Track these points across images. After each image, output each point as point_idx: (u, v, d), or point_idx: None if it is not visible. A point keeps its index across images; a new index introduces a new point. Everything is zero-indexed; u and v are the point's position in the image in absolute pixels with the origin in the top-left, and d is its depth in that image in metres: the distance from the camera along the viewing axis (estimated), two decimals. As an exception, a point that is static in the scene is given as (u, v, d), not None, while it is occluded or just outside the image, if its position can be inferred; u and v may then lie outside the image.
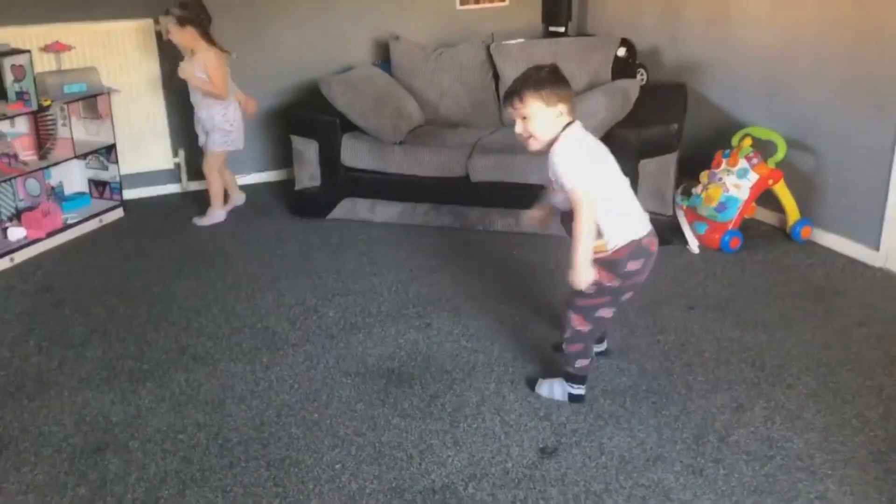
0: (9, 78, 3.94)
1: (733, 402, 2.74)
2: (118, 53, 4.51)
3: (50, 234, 4.09)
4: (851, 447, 2.50)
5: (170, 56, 4.62)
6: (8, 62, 3.91)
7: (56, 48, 4.27)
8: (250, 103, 4.35)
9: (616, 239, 2.55)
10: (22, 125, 4.15)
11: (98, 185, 4.55)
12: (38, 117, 4.15)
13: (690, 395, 2.78)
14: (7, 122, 4.01)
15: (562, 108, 2.52)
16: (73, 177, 4.51)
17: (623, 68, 4.60)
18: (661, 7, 4.81)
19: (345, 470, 2.44)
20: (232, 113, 4.22)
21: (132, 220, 4.48)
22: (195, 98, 4.22)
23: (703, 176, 4.06)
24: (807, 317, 3.29)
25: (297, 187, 4.45)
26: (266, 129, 4.97)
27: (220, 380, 2.92)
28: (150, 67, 4.63)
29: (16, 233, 4.01)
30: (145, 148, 4.73)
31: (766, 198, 3.99)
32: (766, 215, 4.20)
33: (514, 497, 2.32)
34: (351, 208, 4.38)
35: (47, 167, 4.21)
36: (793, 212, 3.98)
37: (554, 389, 2.77)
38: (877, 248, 3.69)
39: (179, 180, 4.92)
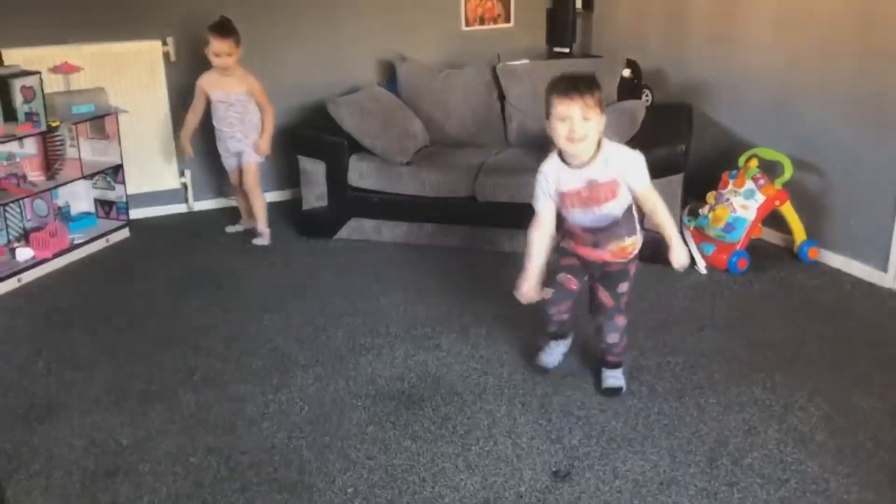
0: (18, 99, 3.95)
1: (746, 424, 2.73)
2: (126, 74, 4.53)
3: (57, 255, 4.09)
4: (866, 470, 2.49)
5: (176, 77, 4.65)
6: (18, 83, 3.92)
7: (65, 69, 4.28)
8: None
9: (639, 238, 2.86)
10: (31, 146, 4.16)
11: (104, 205, 4.55)
12: (47, 138, 4.16)
13: (703, 418, 2.77)
14: (16, 142, 4.02)
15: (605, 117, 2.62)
16: (80, 197, 4.51)
17: (628, 89, 4.62)
18: (666, 28, 4.84)
19: (357, 494, 2.43)
20: None
21: (139, 240, 4.48)
22: (230, 117, 4.22)
23: (710, 197, 4.07)
24: (817, 338, 3.29)
25: (304, 207, 4.46)
26: (273, 149, 4.98)
27: (230, 402, 2.91)
28: (157, 88, 4.65)
29: (23, 253, 4.01)
30: (152, 168, 4.74)
31: (772, 218, 4.00)
32: (773, 236, 4.21)
33: (529, 521, 2.31)
34: (358, 228, 4.38)
35: (55, 187, 4.22)
36: (800, 232, 3.99)
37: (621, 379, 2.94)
38: (885, 269, 3.70)
39: (186, 200, 4.93)
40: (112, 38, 4.47)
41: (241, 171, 4.34)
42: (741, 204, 3.91)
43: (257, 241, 4.34)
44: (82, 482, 2.49)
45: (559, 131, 2.58)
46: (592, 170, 2.64)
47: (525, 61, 4.80)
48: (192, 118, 4.28)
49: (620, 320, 2.88)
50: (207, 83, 4.18)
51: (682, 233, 3.97)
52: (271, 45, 4.87)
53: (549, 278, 2.86)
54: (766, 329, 3.37)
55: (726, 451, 2.59)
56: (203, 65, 4.60)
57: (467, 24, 5.32)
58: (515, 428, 2.73)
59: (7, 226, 4.10)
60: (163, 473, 2.53)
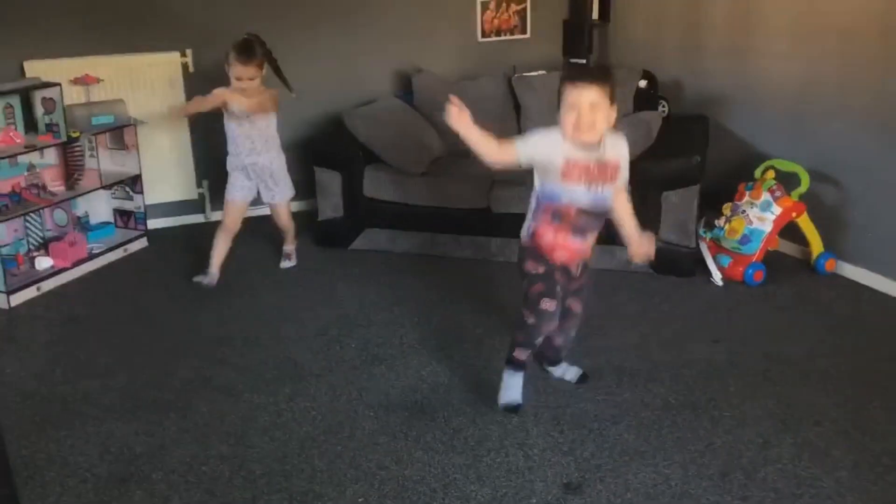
0: (39, 110, 4.01)
1: (760, 437, 2.71)
2: (145, 86, 4.59)
3: (76, 264, 4.13)
4: (883, 486, 2.46)
5: (195, 88, 4.69)
6: (39, 95, 3.98)
7: (85, 81, 4.34)
8: None
9: None
10: (51, 156, 4.22)
11: (123, 215, 4.60)
12: (67, 149, 4.21)
13: (716, 431, 2.75)
14: (37, 153, 4.07)
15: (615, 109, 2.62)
16: (99, 207, 4.56)
17: (644, 100, 4.62)
18: (682, 39, 4.83)
19: (368, 504, 2.43)
20: None
21: (156, 249, 4.51)
22: (253, 136, 3.86)
23: (727, 208, 4.05)
24: (833, 351, 3.26)
25: (319, 218, 4.48)
26: (289, 160, 5.00)
27: (244, 411, 2.92)
28: (176, 99, 4.69)
29: (43, 262, 4.06)
30: (170, 178, 4.79)
31: (789, 230, 3.97)
32: (789, 248, 4.17)
33: (539, 534, 2.30)
34: (373, 239, 4.40)
35: (74, 197, 4.27)
36: (817, 244, 3.96)
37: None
38: (903, 282, 3.66)
39: (203, 210, 4.97)
40: (131, 50, 4.53)
41: (238, 211, 4.01)
42: (757, 216, 3.89)
43: (285, 264, 4.19)
44: (96, 489, 2.51)
45: (568, 118, 2.57)
46: (601, 150, 2.63)
47: (541, 72, 4.81)
48: (197, 105, 3.89)
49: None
50: (228, 96, 3.78)
51: (697, 245, 3.97)
52: (289, 57, 4.88)
53: (531, 307, 2.75)
54: (782, 342, 3.34)
55: (740, 465, 2.57)
56: (222, 77, 4.65)
57: (483, 35, 5.33)
58: (527, 440, 2.73)
59: (27, 235, 4.15)
60: (175, 482, 2.54)
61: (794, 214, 3.89)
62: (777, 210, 3.86)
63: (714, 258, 3.96)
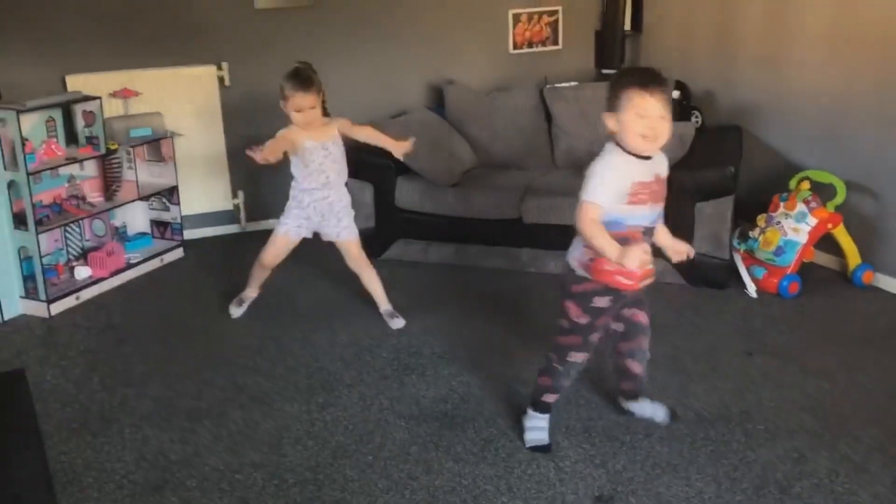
0: (80, 123, 4.10)
1: (795, 452, 2.67)
2: (181, 98, 4.67)
3: (113, 274, 4.21)
4: (921, 502, 2.41)
5: (231, 101, 4.77)
6: (79, 108, 4.08)
7: (124, 94, 4.43)
8: None
9: None
10: (90, 168, 4.31)
11: (160, 226, 4.68)
12: (106, 161, 4.30)
13: (750, 444, 2.72)
14: (76, 165, 4.16)
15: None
16: (137, 218, 4.64)
17: (677, 111, 4.59)
18: (715, 49, 4.80)
19: (399, 514, 2.44)
20: None
21: (192, 259, 4.58)
22: (327, 168, 3.54)
23: (761, 220, 4.02)
24: (871, 365, 3.21)
25: (352, 228, 4.51)
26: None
27: (276, 420, 2.95)
28: (212, 112, 4.77)
29: (82, 272, 4.14)
30: (206, 190, 4.86)
31: (825, 242, 3.92)
32: (825, 259, 4.12)
33: (570, 546, 2.29)
34: (404, 249, 4.42)
35: (113, 209, 4.35)
36: (853, 256, 3.90)
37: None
38: (943, 295, 3.60)
39: (238, 221, 5.03)
40: (169, 64, 4.61)
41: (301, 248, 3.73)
42: (792, 227, 3.85)
43: (395, 324, 3.68)
44: (132, 496, 2.55)
45: (635, 128, 2.34)
46: (654, 163, 2.47)
47: (573, 83, 4.81)
48: (271, 149, 3.47)
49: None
50: (295, 134, 3.47)
51: (731, 256, 3.94)
52: (323, 70, 4.91)
53: (561, 355, 2.65)
54: (818, 355, 3.29)
55: (774, 480, 2.54)
56: (256, 88, 4.74)
57: (515, 47, 5.35)
58: (558, 451, 2.72)
59: (67, 245, 4.24)
60: (209, 489, 2.57)
61: (829, 226, 3.84)
62: (812, 221, 3.81)
63: (748, 270, 3.92)
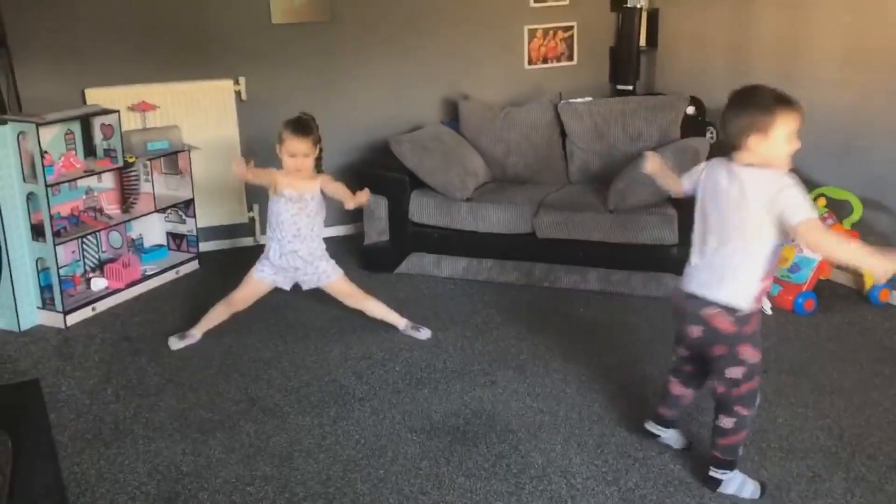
0: (98, 136, 4.15)
1: (809, 471, 2.65)
2: (198, 112, 4.71)
3: (129, 285, 4.24)
4: (938, 524, 2.38)
5: (247, 115, 4.81)
6: (98, 121, 4.12)
7: (142, 108, 4.48)
8: None
9: None
10: (108, 180, 4.35)
11: (175, 238, 4.71)
12: (123, 173, 4.34)
13: (764, 463, 2.70)
14: (94, 177, 4.21)
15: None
16: (153, 230, 4.68)
17: (692, 127, 4.59)
18: (730, 65, 4.80)
19: (409, 529, 2.44)
20: None
21: (207, 272, 4.61)
22: (300, 222, 3.53)
23: (776, 236, 3.99)
24: (887, 383, 3.18)
25: (366, 242, 4.54)
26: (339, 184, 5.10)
27: (289, 433, 2.96)
28: (229, 126, 4.81)
29: (98, 283, 4.18)
30: (221, 202, 4.89)
31: (841, 259, 3.89)
32: (842, 277, 4.09)
33: (581, 564, 2.28)
34: (418, 263, 4.43)
35: (129, 221, 4.39)
36: (870, 274, 3.86)
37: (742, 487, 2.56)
38: (961, 313, 3.56)
39: (253, 234, 5.06)
40: (186, 78, 4.66)
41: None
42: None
43: (423, 335, 3.70)
44: (144, 507, 2.56)
45: (786, 152, 2.38)
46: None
47: (588, 99, 4.82)
48: (254, 174, 3.46)
49: None
50: (281, 178, 3.49)
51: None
52: (339, 84, 5.01)
53: (748, 403, 2.51)
54: (834, 373, 3.27)
55: (789, 499, 2.51)
56: (273, 103, 4.78)
57: (530, 62, 5.37)
58: (570, 468, 2.71)
59: (84, 257, 4.28)
60: (221, 502, 2.58)
61: (846, 243, 3.81)
62: (828, 238, 3.78)
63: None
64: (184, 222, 4.66)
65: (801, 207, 2.29)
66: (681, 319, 2.56)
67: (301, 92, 4.91)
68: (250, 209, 5.00)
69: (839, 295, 3.99)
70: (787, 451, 2.76)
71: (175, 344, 3.66)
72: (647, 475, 2.65)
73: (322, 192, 3.58)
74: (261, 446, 2.88)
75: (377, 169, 4.49)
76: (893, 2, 3.78)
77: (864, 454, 2.73)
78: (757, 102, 2.37)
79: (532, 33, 5.32)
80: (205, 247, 4.83)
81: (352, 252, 4.76)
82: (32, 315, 3.92)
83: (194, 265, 4.65)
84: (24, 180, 3.78)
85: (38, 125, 3.69)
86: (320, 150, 3.57)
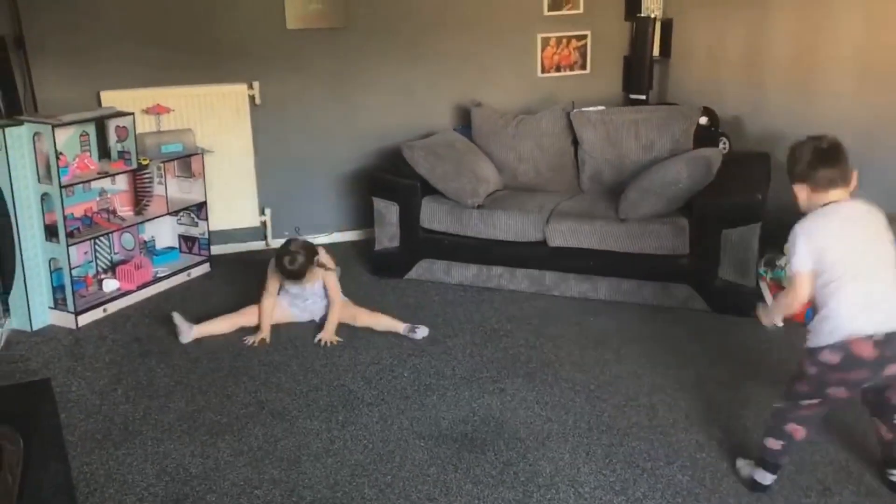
0: (113, 138, 4.18)
1: (820, 484, 2.63)
2: (212, 116, 4.74)
3: (140, 287, 4.26)
4: (950, 540, 2.36)
5: (261, 119, 4.83)
6: (112, 124, 4.15)
7: (156, 111, 4.51)
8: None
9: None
10: (122, 182, 4.38)
11: (187, 241, 4.73)
12: (137, 175, 4.37)
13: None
14: (108, 179, 4.23)
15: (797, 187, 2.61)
16: (165, 232, 4.70)
17: (705, 137, 4.58)
18: (744, 76, 4.79)
19: (416, 535, 2.43)
20: None
21: (218, 274, 4.63)
22: (307, 306, 3.91)
23: (787, 248, 3.97)
24: (899, 398, 3.15)
25: (376, 247, 4.54)
26: (349, 190, 5.13)
27: (297, 436, 2.96)
28: (242, 130, 4.83)
29: (110, 284, 4.20)
30: (234, 206, 4.91)
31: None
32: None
33: (588, 573, 2.27)
34: (428, 269, 4.43)
35: (142, 223, 4.42)
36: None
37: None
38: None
39: (264, 237, 5.08)
40: (201, 82, 4.69)
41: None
42: (820, 256, 3.80)
43: (420, 334, 3.77)
44: (152, 509, 2.57)
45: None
46: None
47: (601, 108, 4.81)
48: (269, 303, 3.81)
49: None
50: (281, 277, 3.77)
51: (757, 284, 3.90)
52: (352, 90, 5.02)
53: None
54: (845, 386, 3.24)
55: (798, 512, 2.50)
56: (286, 108, 4.81)
57: (543, 70, 5.37)
58: (578, 477, 2.70)
59: (96, 258, 4.30)
60: (229, 504, 2.59)
61: (858, 255, 3.79)
62: (841, 250, 3.77)
63: (774, 298, 3.87)
64: (196, 225, 4.68)
65: None
66: (871, 365, 2.38)
67: (314, 97, 4.94)
68: (262, 213, 5.01)
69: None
70: (797, 463, 2.74)
71: (180, 323, 3.76)
72: (655, 485, 2.64)
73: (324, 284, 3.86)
74: (269, 450, 2.88)
75: (389, 174, 4.50)
76: (909, 14, 3.77)
77: (874, 468, 2.70)
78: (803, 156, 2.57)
79: (545, 42, 5.32)
80: (216, 250, 4.84)
81: (362, 257, 4.78)
82: (44, 315, 3.94)
83: (206, 268, 4.67)
84: (39, 181, 3.81)
85: (53, 126, 3.72)
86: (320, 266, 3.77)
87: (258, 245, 5.08)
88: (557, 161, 4.68)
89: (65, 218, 3.83)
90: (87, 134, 4.15)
